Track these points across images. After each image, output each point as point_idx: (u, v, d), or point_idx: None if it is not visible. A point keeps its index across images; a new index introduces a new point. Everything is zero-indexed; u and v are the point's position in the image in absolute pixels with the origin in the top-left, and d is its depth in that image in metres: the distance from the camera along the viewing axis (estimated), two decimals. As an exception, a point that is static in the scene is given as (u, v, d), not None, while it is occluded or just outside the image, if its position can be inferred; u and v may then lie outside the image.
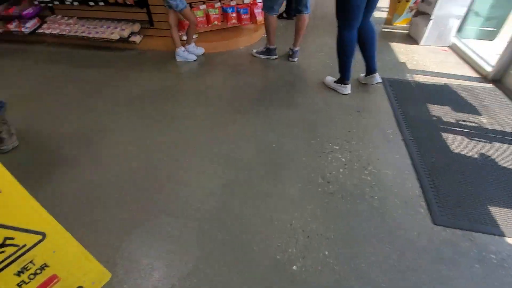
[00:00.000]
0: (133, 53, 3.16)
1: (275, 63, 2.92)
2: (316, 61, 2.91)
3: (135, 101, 2.33)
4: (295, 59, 2.91)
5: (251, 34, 3.36)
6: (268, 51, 2.94)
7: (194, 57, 2.95)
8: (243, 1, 3.19)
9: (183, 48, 2.92)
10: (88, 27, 3.20)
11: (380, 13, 4.57)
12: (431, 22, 3.15)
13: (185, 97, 2.36)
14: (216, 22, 3.14)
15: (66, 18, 3.37)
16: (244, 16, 3.23)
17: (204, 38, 3.19)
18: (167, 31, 3.14)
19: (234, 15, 3.18)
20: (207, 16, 3.08)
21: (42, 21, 3.47)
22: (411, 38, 3.55)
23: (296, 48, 2.87)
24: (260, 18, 3.31)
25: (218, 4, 3.07)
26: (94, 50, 3.24)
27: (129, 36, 3.09)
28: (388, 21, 4.21)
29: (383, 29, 3.93)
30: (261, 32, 3.61)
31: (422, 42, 3.32)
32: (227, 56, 3.06)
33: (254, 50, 3.04)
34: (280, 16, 4.32)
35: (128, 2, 2.90)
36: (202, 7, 2.99)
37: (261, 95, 2.36)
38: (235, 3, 3.14)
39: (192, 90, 2.45)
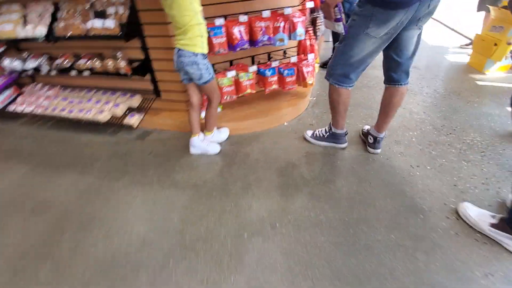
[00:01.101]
0: (130, 139, 2.19)
1: (345, 156, 1.84)
2: (414, 152, 1.81)
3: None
4: (378, 150, 1.82)
5: (297, 101, 2.34)
6: (334, 137, 1.88)
7: (217, 149, 1.93)
8: (289, 60, 2.20)
9: (201, 136, 1.92)
10: (72, 101, 2.30)
11: (456, 55, 3.49)
12: None
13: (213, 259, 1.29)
14: (249, 90, 2.16)
15: (47, 87, 2.51)
16: (288, 79, 2.24)
17: (231, 113, 2.20)
18: (180, 104, 2.17)
19: (274, 78, 2.20)
20: (237, 83, 2.11)
21: (20, 90, 2.64)
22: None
23: (382, 135, 1.79)
24: (311, 79, 2.30)
25: (253, 68, 2.09)
26: (78, 132, 2.31)
27: (124, 116, 2.14)
28: (475, 67, 3.09)
29: (468, 80, 2.81)
30: (309, 97, 2.60)
31: None
32: (265, 141, 2.02)
33: (309, 134, 1.99)
34: (322, 65, 3.34)
35: (123, 72, 1.98)
36: (231, 73, 2.02)
37: (352, 251, 1.25)
38: (277, 64, 2.16)
39: (217, 240, 1.39)
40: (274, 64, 2.14)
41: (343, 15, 1.39)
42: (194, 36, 1.51)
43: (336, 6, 1.35)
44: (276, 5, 2.15)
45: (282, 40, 2.06)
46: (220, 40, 1.86)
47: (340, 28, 1.43)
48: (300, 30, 2.09)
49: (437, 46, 4.05)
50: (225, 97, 2.09)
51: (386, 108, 1.69)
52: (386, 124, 1.74)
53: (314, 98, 2.63)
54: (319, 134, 1.93)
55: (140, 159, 1.94)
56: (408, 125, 2.12)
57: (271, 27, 1.98)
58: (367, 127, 1.97)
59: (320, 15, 2.62)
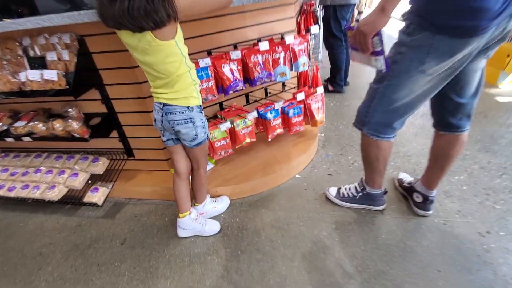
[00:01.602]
0: (96, 218, 1.64)
1: (389, 224, 1.38)
2: (473, 208, 1.39)
3: None
4: (430, 212, 1.38)
5: (306, 143, 1.90)
6: (369, 198, 1.43)
7: (216, 227, 1.43)
8: (295, 98, 1.76)
9: (193, 214, 1.41)
10: (14, 173, 1.73)
11: None
12: None
13: None
14: (248, 140, 1.70)
15: (-18, 153, 1.92)
16: (295, 119, 1.80)
17: (228, 170, 1.71)
18: (160, 163, 1.68)
19: (278, 121, 1.75)
20: (233, 133, 1.64)
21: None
22: None
23: (434, 193, 1.35)
24: (320, 116, 1.88)
25: (253, 114, 1.63)
26: (25, 214, 1.73)
27: (85, 189, 1.60)
28: (487, 81, 2.81)
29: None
30: (318, 135, 2.18)
31: None
32: (277, 207, 1.54)
33: (333, 193, 1.53)
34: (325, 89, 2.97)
35: (78, 135, 1.46)
36: (224, 126, 1.54)
37: None
38: (281, 104, 1.72)
39: None
40: (278, 105, 1.69)
41: (384, 46, 0.97)
42: (186, 86, 1.05)
43: (377, 34, 0.93)
44: (270, 32, 1.74)
45: (283, 74, 1.63)
46: (206, 84, 1.40)
47: (380, 63, 1.01)
48: (302, 59, 1.68)
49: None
50: (219, 152, 1.61)
51: (441, 161, 1.27)
52: (440, 179, 1.31)
53: (323, 135, 2.20)
54: (348, 194, 1.48)
55: (109, 255, 1.39)
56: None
57: (270, 60, 1.54)
58: (406, 178, 1.54)
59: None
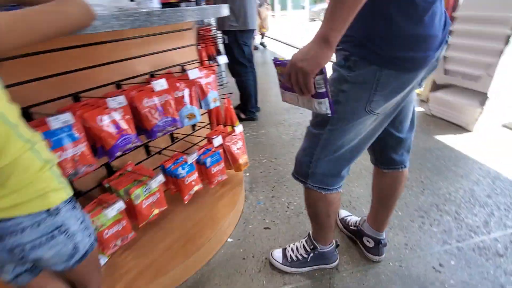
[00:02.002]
0: None
1: (346, 282, 1.16)
2: (417, 238, 1.32)
3: None
4: (383, 255, 1.23)
5: (232, 194, 1.55)
6: (321, 257, 1.17)
7: None
8: (212, 143, 1.40)
9: None
10: None
11: None
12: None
13: None
14: (156, 211, 1.22)
15: None
16: (215, 169, 1.43)
17: (133, 263, 1.17)
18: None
19: (193, 176, 1.34)
20: (132, 210, 1.13)
21: None
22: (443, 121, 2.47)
23: (384, 235, 1.21)
24: (244, 157, 1.57)
25: (158, 179, 1.16)
26: None
27: None
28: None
29: None
30: (243, 179, 1.88)
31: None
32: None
33: (279, 259, 1.21)
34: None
35: None
36: (114, 210, 1.01)
37: None
38: (195, 156, 1.32)
39: None
40: (191, 158, 1.29)
41: (328, 86, 0.74)
42: (31, 177, 0.54)
43: (320, 72, 0.69)
44: (166, 63, 1.35)
45: (192, 116, 1.26)
46: (73, 151, 0.88)
47: (324, 107, 0.77)
48: (212, 94, 1.36)
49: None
50: (112, 244, 1.07)
51: (388, 200, 1.13)
52: (388, 219, 1.18)
53: (247, 175, 1.91)
54: (297, 257, 1.19)
55: None
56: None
57: (172, 102, 1.15)
58: (350, 218, 1.38)
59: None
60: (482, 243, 1.29)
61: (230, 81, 3.00)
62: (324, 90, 0.73)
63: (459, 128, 2.42)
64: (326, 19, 0.64)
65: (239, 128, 1.52)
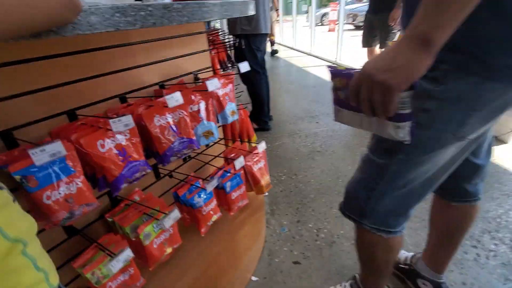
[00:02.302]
0: None
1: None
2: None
3: None
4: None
5: (253, 221, 1.34)
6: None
7: None
8: (233, 165, 1.20)
9: None
10: None
11: None
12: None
13: None
14: (169, 250, 1.01)
15: None
16: (235, 194, 1.23)
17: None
18: None
19: (212, 204, 1.14)
20: (141, 251, 0.93)
21: None
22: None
23: (444, 277, 1.00)
24: (266, 179, 1.37)
25: (173, 215, 0.95)
26: None
27: None
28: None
29: None
30: (264, 205, 1.68)
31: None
32: None
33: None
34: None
35: None
36: (120, 262, 0.81)
37: None
38: (215, 181, 1.12)
39: None
40: (210, 186, 1.08)
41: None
42: None
43: (411, 88, 0.50)
44: (176, 72, 1.17)
45: (210, 134, 1.07)
46: (66, 189, 0.68)
47: (402, 133, 0.57)
48: (230, 106, 1.17)
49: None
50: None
51: (453, 237, 0.93)
52: (451, 259, 0.98)
53: (266, 194, 1.71)
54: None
55: None
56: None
57: (187, 119, 0.95)
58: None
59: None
60: (557, 282, 1.08)
61: (241, 88, 2.83)
62: (409, 111, 0.53)
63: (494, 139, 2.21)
64: (426, 11, 0.44)
65: (262, 145, 1.32)
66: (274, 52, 6.73)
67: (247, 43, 2.24)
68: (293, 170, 1.94)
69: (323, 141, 2.29)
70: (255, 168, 1.32)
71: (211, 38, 1.84)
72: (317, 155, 2.10)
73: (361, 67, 0.52)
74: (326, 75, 4.29)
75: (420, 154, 0.63)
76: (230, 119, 1.19)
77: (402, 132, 0.56)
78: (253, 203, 1.45)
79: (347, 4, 6.67)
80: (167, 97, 0.84)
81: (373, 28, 3.34)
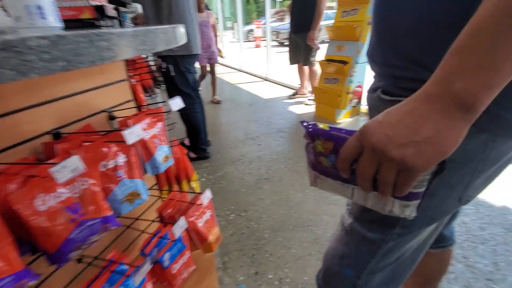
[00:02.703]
0: None
1: None
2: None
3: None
4: None
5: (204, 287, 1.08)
6: None
7: None
8: (170, 231, 0.91)
9: None
10: None
11: (297, 107, 3.37)
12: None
13: None
14: None
15: None
16: (177, 265, 0.94)
17: None
18: None
19: (146, 290, 0.83)
20: None
21: None
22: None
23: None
24: (215, 232, 1.12)
25: None
26: None
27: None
28: (327, 118, 3.08)
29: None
30: (214, 262, 1.42)
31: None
32: None
33: None
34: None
35: None
36: None
37: None
38: (148, 262, 0.81)
39: None
40: (140, 274, 0.78)
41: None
42: None
43: (442, 165, 0.34)
44: (82, 112, 0.84)
45: (135, 196, 0.78)
46: None
47: (408, 211, 0.43)
48: (162, 150, 0.91)
49: (273, 100, 3.99)
50: None
51: (431, 285, 0.85)
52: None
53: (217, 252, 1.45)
54: None
55: None
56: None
57: (96, 188, 0.65)
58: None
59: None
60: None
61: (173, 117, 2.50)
62: (423, 189, 0.39)
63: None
64: (469, 59, 0.29)
65: (206, 195, 1.07)
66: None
67: (176, 65, 1.97)
68: (241, 205, 1.73)
69: (268, 166, 2.16)
70: (200, 223, 1.06)
71: (130, 60, 1.54)
72: (265, 183, 1.94)
73: (363, 131, 0.35)
74: (263, 92, 4.27)
75: (423, 225, 0.50)
76: (163, 167, 0.92)
77: (409, 210, 0.42)
78: (201, 264, 1.18)
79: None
80: (54, 168, 0.54)
81: (297, 46, 3.47)
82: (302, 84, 3.94)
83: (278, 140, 2.61)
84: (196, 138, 2.24)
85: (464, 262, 1.28)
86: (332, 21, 3.03)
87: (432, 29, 0.41)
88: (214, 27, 3.57)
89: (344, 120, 3.05)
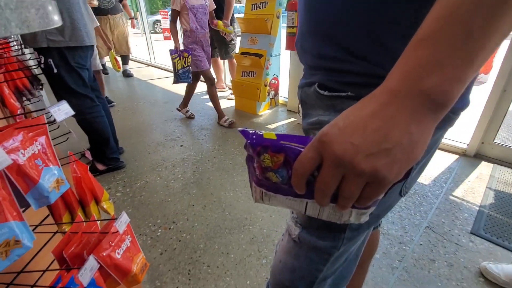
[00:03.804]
0: None
1: None
2: None
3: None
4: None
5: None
6: None
7: None
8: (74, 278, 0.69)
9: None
10: None
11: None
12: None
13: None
14: None
15: None
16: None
17: None
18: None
19: None
20: None
21: None
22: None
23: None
24: (138, 261, 0.94)
25: None
26: None
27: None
28: (248, 111, 3.10)
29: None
30: None
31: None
32: None
33: None
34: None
35: None
36: None
37: None
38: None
39: None
40: None
41: None
42: None
43: (410, 170, 0.30)
44: None
45: (13, 244, 0.56)
46: None
47: (365, 217, 0.39)
48: (50, 174, 0.69)
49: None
50: None
51: (364, 264, 0.90)
52: (362, 284, 0.96)
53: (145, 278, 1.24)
54: None
55: None
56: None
57: None
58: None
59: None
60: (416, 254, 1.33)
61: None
62: (382, 196, 0.35)
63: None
64: (439, 51, 0.25)
65: (123, 219, 0.88)
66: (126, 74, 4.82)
67: (63, 60, 1.59)
68: (169, 216, 1.55)
69: (194, 168, 2.01)
70: (119, 255, 0.87)
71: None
72: (193, 188, 1.79)
73: (322, 140, 0.28)
74: (178, 89, 3.98)
75: (369, 225, 0.48)
76: (55, 196, 0.70)
77: (365, 216, 0.38)
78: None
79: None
80: None
81: (212, 40, 3.35)
82: (219, 78, 3.85)
83: (201, 138, 2.47)
84: (103, 147, 1.90)
85: (380, 231, 1.45)
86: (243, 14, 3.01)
87: (372, 16, 0.37)
88: None
89: (264, 112, 3.12)
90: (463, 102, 0.42)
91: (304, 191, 0.33)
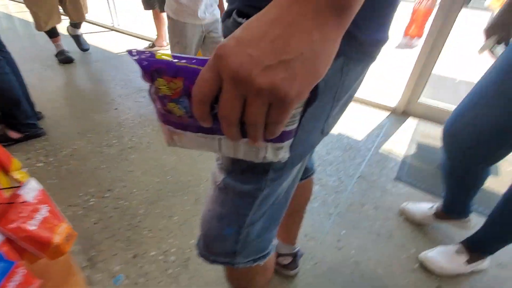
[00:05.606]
0: None
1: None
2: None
3: None
4: (298, 267, 1.08)
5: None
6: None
7: None
8: None
9: None
10: None
11: None
12: None
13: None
14: None
15: None
16: (2, 295, 0.65)
17: None
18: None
19: None
20: None
21: None
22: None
23: (297, 246, 1.04)
24: (61, 231, 0.84)
25: None
26: None
27: None
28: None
29: None
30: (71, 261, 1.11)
31: None
32: None
33: None
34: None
35: None
36: None
37: None
38: None
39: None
40: None
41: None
42: None
43: (315, 89, 0.27)
44: None
45: None
46: None
47: (282, 153, 0.37)
48: None
49: (125, 54, 3.34)
50: None
51: (299, 211, 0.94)
52: (299, 230, 1.01)
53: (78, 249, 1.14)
54: None
55: None
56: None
57: None
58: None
59: None
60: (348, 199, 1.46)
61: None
62: (295, 126, 0.33)
63: None
64: None
65: (29, 187, 0.75)
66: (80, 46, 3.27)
67: None
68: (103, 185, 1.42)
69: (132, 132, 1.85)
70: (33, 226, 0.77)
71: None
72: (131, 153, 1.66)
73: (218, 54, 0.24)
74: (111, 45, 3.50)
75: (292, 165, 0.47)
76: None
77: (283, 152, 0.36)
78: (54, 274, 0.90)
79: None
80: None
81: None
82: (159, 35, 3.47)
83: (139, 101, 2.25)
84: (14, 111, 1.60)
85: (319, 183, 1.55)
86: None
87: None
88: None
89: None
90: (382, 35, 0.41)
91: (210, 122, 0.29)
